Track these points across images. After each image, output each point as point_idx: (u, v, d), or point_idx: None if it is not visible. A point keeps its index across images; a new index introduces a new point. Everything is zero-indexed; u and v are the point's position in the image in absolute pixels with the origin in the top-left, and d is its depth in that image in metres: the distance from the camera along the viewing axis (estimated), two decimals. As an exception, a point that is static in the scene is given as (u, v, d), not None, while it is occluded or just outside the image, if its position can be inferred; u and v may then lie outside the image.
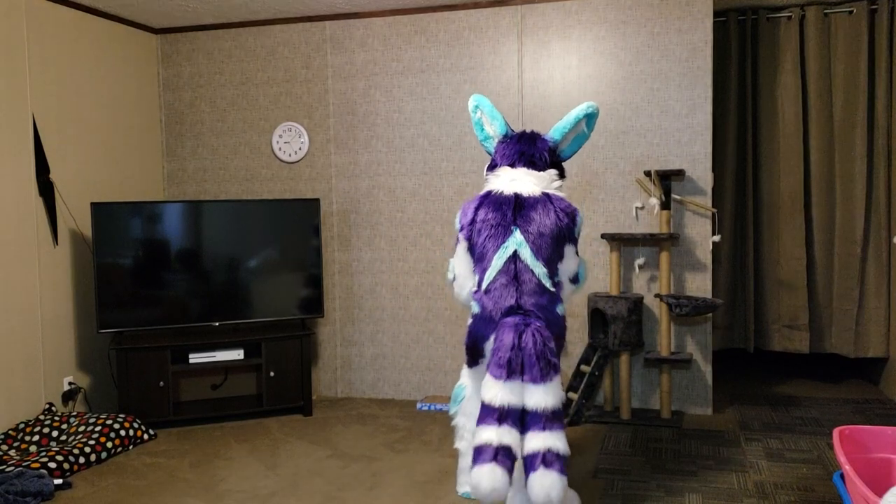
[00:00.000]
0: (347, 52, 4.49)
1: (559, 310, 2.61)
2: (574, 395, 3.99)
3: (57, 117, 4.00)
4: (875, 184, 4.42)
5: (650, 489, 3.03)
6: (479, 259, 2.66)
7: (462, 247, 2.75)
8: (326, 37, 4.52)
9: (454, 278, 2.83)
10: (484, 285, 2.61)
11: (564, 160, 2.88)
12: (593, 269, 4.21)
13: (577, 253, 2.72)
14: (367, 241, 4.54)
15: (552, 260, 2.63)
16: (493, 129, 2.90)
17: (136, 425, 3.76)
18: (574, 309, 4.24)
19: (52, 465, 3.19)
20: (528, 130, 2.87)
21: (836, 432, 2.52)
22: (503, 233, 2.61)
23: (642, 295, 4.07)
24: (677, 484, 3.09)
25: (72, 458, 3.31)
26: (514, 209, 2.64)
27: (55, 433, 3.63)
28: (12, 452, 3.44)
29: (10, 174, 3.69)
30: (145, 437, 3.80)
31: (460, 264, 2.77)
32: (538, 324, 2.50)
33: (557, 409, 2.41)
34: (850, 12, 4.38)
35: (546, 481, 2.30)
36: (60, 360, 4.00)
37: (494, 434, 2.35)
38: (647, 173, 4.01)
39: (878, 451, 2.57)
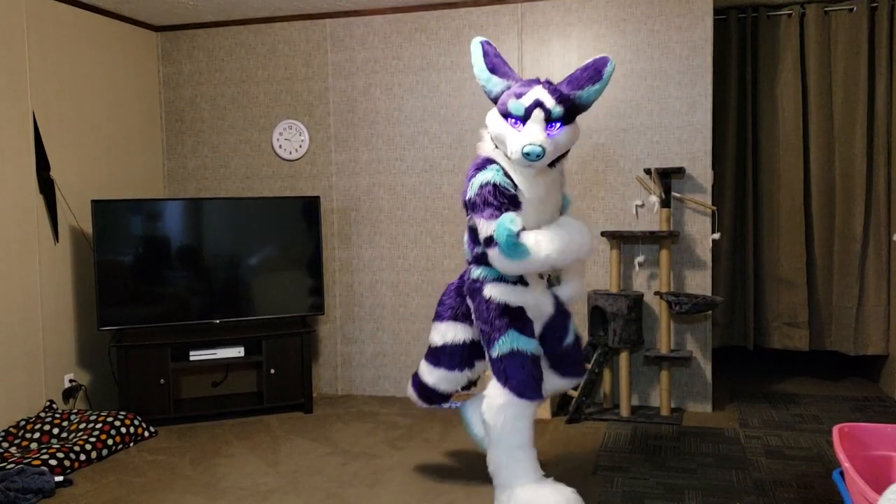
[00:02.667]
0: (348, 49, 4.49)
1: (473, 273, 2.85)
2: (574, 393, 4.00)
3: (57, 115, 4.00)
4: (875, 181, 4.42)
5: (650, 486, 3.04)
6: None
7: None
8: (327, 34, 4.52)
9: None
10: None
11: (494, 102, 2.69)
12: (593, 267, 4.21)
13: (489, 216, 2.59)
14: (368, 238, 4.54)
15: (469, 229, 2.85)
16: None
17: (136, 422, 3.76)
18: (573, 306, 4.24)
19: (53, 462, 3.20)
20: None
21: (835, 430, 2.53)
22: None
23: (642, 292, 4.07)
24: (677, 481, 3.09)
25: (72, 456, 3.31)
26: None
27: (56, 430, 3.64)
28: (13, 450, 3.44)
29: (10, 171, 3.69)
30: (146, 434, 3.80)
31: None
32: (451, 283, 3.04)
33: (429, 344, 3.05)
34: (851, 10, 4.38)
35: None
36: (61, 358, 4.01)
37: None
38: (647, 171, 4.01)
39: (877, 448, 2.57)
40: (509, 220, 2.53)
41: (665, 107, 4.05)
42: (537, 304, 2.82)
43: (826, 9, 4.43)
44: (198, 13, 4.46)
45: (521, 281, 2.78)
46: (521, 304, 2.76)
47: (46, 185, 3.90)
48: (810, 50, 4.47)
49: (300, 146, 4.60)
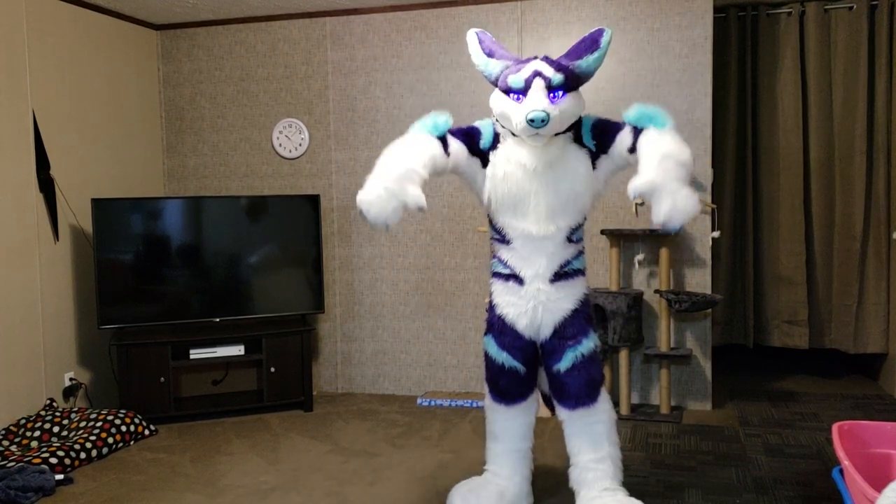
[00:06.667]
0: (347, 48, 4.49)
1: None
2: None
3: (57, 113, 4.00)
4: (874, 179, 4.42)
5: (649, 484, 3.04)
6: None
7: None
8: (326, 33, 4.52)
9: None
10: None
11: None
12: (593, 266, 4.21)
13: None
14: (367, 237, 4.55)
15: None
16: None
17: (136, 421, 3.76)
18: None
19: (54, 460, 3.20)
20: None
21: (835, 428, 2.53)
22: None
23: (642, 291, 4.08)
24: (676, 479, 3.09)
25: (73, 454, 3.32)
26: None
27: (56, 429, 3.64)
28: (13, 448, 3.44)
29: (10, 170, 3.69)
30: (146, 432, 3.81)
31: None
32: None
33: None
34: (851, 8, 4.38)
35: None
36: (61, 356, 4.01)
37: None
38: (647, 169, 4.00)
39: (877, 446, 2.58)
40: (436, 118, 2.70)
41: (665, 105, 4.03)
42: (525, 310, 2.63)
43: (826, 7, 4.43)
44: (197, 12, 4.45)
45: (513, 276, 2.64)
46: (502, 307, 2.68)
47: (46, 184, 3.90)
48: (810, 48, 4.46)
49: (300, 144, 4.60)
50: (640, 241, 4.12)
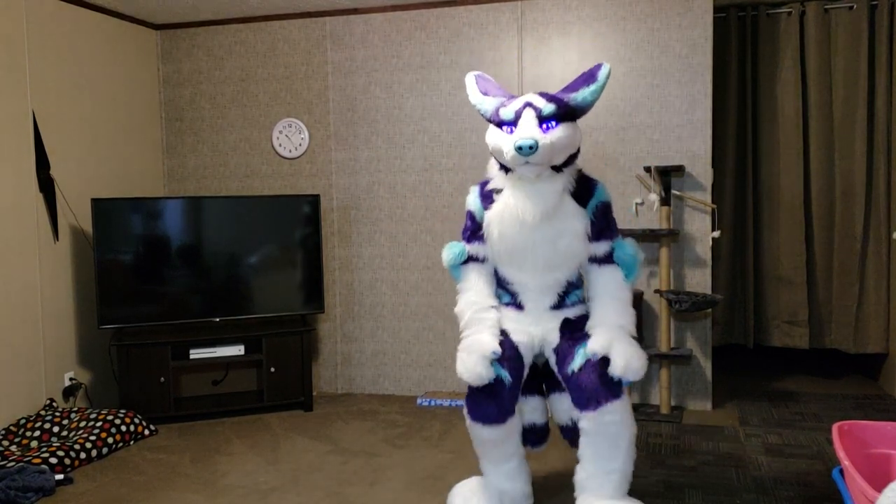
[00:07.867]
0: (347, 48, 4.49)
1: None
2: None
3: (57, 113, 4.00)
4: (875, 179, 4.42)
5: (650, 484, 3.04)
6: None
7: None
8: (326, 33, 4.52)
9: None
10: None
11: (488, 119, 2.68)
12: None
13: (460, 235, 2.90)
14: (368, 237, 4.55)
15: None
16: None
17: (136, 421, 3.76)
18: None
19: (54, 460, 3.20)
20: None
21: (835, 428, 2.53)
22: None
23: (642, 291, 4.08)
24: (677, 479, 3.09)
25: (73, 454, 3.32)
26: None
27: (56, 429, 3.64)
28: (13, 448, 3.44)
29: (10, 170, 3.69)
30: (146, 432, 3.81)
31: None
32: None
33: None
34: (851, 8, 4.38)
35: None
36: (61, 356, 4.01)
37: None
38: (647, 169, 4.01)
39: (877, 446, 2.58)
40: (452, 252, 2.73)
41: (665, 105, 4.05)
42: (527, 331, 2.67)
43: (826, 7, 4.43)
44: (197, 11, 4.45)
45: (514, 304, 2.71)
46: (501, 319, 2.71)
47: (46, 184, 3.90)
48: (810, 48, 4.46)
49: (300, 144, 4.60)
50: (639, 241, 4.12)
